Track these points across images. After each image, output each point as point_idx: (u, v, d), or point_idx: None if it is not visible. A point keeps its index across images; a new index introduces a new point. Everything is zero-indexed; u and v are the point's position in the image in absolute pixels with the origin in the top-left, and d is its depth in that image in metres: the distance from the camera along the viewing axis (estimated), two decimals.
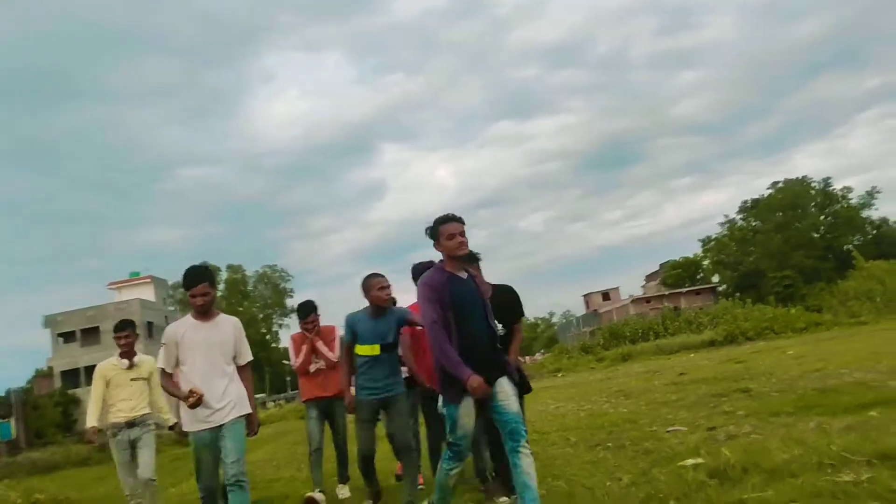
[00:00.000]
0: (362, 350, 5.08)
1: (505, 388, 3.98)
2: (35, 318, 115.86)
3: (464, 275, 4.13)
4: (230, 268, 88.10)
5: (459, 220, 4.13)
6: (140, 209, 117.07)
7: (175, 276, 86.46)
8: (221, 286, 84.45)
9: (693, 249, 74.92)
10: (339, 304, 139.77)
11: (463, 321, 3.97)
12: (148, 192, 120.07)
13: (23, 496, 6.30)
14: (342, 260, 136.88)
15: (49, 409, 51.67)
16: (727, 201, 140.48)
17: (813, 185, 68.76)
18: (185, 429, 4.66)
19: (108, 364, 6.28)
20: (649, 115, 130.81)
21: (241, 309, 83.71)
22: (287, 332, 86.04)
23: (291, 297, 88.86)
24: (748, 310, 44.56)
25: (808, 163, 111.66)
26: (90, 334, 59.69)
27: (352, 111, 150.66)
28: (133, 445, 6.11)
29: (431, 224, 4.16)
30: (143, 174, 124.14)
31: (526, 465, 3.85)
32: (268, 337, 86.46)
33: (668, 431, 6.72)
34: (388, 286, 5.14)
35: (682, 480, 3.78)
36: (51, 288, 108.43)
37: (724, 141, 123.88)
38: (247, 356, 4.78)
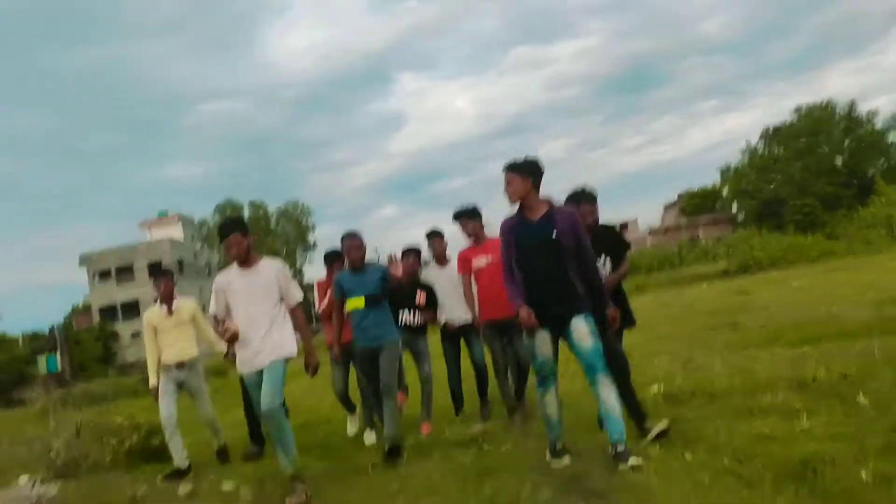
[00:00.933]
0: (350, 304, 5.49)
1: (579, 328, 4.19)
2: (65, 255, 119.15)
3: (535, 218, 4.36)
4: (252, 205, 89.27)
5: (506, 169, 4.41)
6: (161, 145, 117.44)
7: (200, 213, 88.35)
8: (251, 232, 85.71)
9: (716, 176, 74.09)
10: (363, 235, 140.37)
11: (526, 262, 4.33)
12: (168, 127, 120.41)
13: (128, 419, 7.19)
14: (363, 192, 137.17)
15: (91, 344, 54.04)
16: (753, 124, 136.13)
17: (838, 108, 67.48)
18: (239, 371, 4.95)
19: (152, 312, 6.53)
20: (672, 34, 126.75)
21: (263, 244, 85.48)
22: (310, 267, 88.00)
23: (314, 232, 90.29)
24: (764, 239, 44.90)
25: (839, 82, 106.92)
26: (125, 272, 61.77)
27: (367, 40, 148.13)
28: (181, 385, 6.37)
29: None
30: (162, 110, 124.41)
31: (605, 395, 4.09)
32: (292, 272, 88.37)
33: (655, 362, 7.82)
34: (361, 247, 5.55)
35: (643, 402, 4.82)
36: (77, 225, 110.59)
37: (750, 61, 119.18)
38: (295, 297, 4.91)
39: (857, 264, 25.86)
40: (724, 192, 72.50)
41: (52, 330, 54.89)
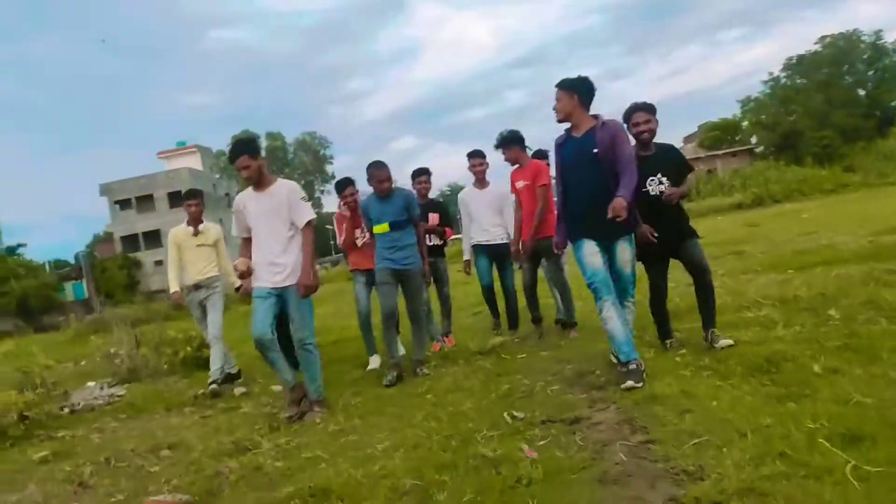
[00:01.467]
0: (377, 229, 5.72)
1: (624, 254, 4.39)
2: (83, 185, 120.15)
3: (578, 134, 4.41)
4: (270, 135, 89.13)
5: (555, 86, 4.45)
6: (173, 73, 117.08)
7: (217, 143, 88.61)
8: (262, 154, 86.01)
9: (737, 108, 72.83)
10: None
11: (570, 177, 4.46)
12: (182, 55, 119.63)
13: (182, 333, 7.86)
14: (380, 123, 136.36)
15: (116, 272, 55.27)
16: (778, 53, 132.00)
17: (863, 38, 65.75)
18: (252, 285, 4.92)
19: (179, 230, 6.71)
20: None
21: (282, 176, 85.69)
22: (328, 197, 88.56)
23: (331, 163, 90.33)
24: (780, 172, 44.86)
25: (869, 10, 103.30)
26: (145, 201, 62.62)
27: None
28: (202, 306, 6.59)
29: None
30: (176, 37, 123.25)
31: (627, 316, 4.45)
32: (311, 202, 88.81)
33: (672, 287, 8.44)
34: (386, 179, 5.67)
35: (644, 317, 5.43)
36: (94, 154, 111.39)
37: None
38: (303, 217, 4.83)
39: (867, 196, 26.18)
40: (745, 124, 71.57)
41: (77, 258, 56.29)
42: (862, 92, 65.20)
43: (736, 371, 3.83)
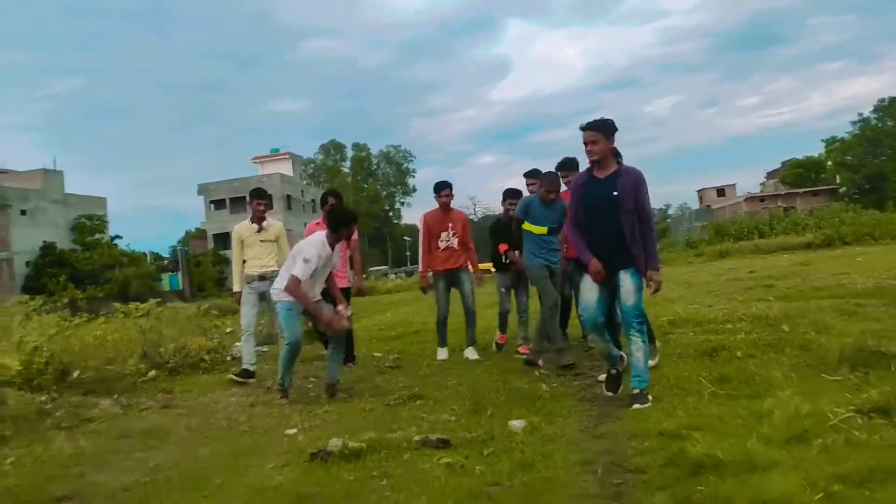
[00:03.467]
0: (535, 229, 6.31)
1: (626, 285, 4.54)
2: (175, 182, 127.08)
3: (602, 176, 4.66)
4: (356, 146, 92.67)
5: (589, 128, 4.64)
6: (266, 80, 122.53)
7: (307, 150, 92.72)
8: (348, 164, 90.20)
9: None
10: (461, 182, 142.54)
11: (589, 215, 4.70)
12: (273, 63, 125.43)
13: None
14: (462, 138, 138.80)
15: (208, 267, 59.23)
16: (881, 90, 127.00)
17: None
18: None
19: (243, 226, 6.99)
20: None
21: (366, 186, 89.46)
22: (408, 210, 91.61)
23: (413, 176, 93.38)
24: (856, 214, 44.55)
25: None
26: (238, 202, 66.67)
27: None
28: (262, 297, 6.76)
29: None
30: (268, 45, 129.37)
31: (634, 349, 4.52)
32: (390, 213, 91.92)
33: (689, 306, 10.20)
34: (557, 189, 6.28)
35: (656, 325, 7.22)
36: (188, 154, 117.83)
37: (885, 20, 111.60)
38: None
39: None
40: (829, 164, 70.59)
41: (175, 252, 60.73)
42: None
43: (691, 355, 5.72)
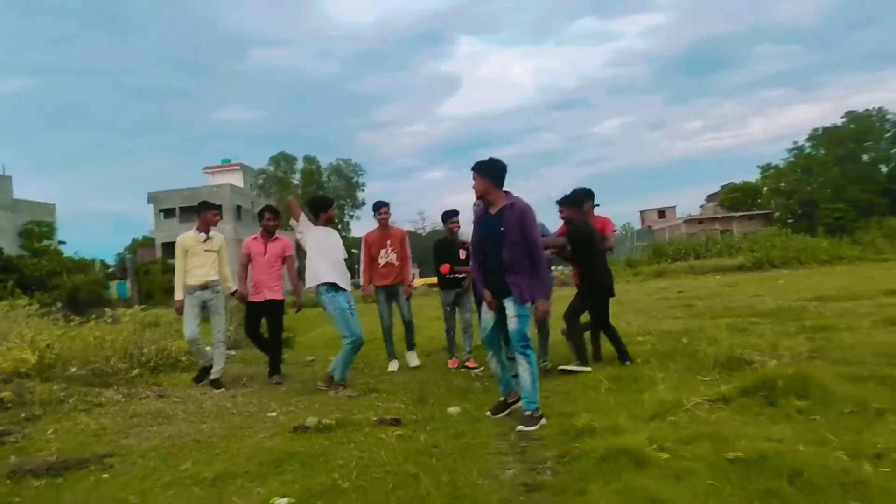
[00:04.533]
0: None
1: (509, 311, 4.82)
2: (121, 188, 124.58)
3: (494, 210, 4.95)
4: (306, 158, 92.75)
5: (472, 168, 4.97)
6: (217, 89, 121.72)
7: (254, 159, 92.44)
8: (297, 176, 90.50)
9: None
10: (409, 197, 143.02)
11: (482, 247, 5.03)
12: (223, 72, 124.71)
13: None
14: (411, 153, 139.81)
15: (158, 276, 58.86)
16: (819, 118, 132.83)
17: (888, 116, 67.95)
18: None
19: (187, 236, 7.06)
20: (746, 17, 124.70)
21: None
22: (358, 223, 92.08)
23: (363, 190, 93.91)
24: (787, 239, 47.09)
25: None
26: (188, 212, 66.32)
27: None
28: (204, 306, 6.96)
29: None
30: (218, 53, 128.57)
31: (521, 370, 4.77)
32: (340, 227, 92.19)
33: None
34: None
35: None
36: (135, 160, 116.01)
37: (825, 51, 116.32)
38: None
39: (852, 270, 28.64)
40: (765, 189, 73.92)
41: (123, 259, 60.23)
42: (884, 169, 67.47)
43: (601, 360, 6.90)
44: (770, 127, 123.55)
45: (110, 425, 4.99)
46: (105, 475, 3.79)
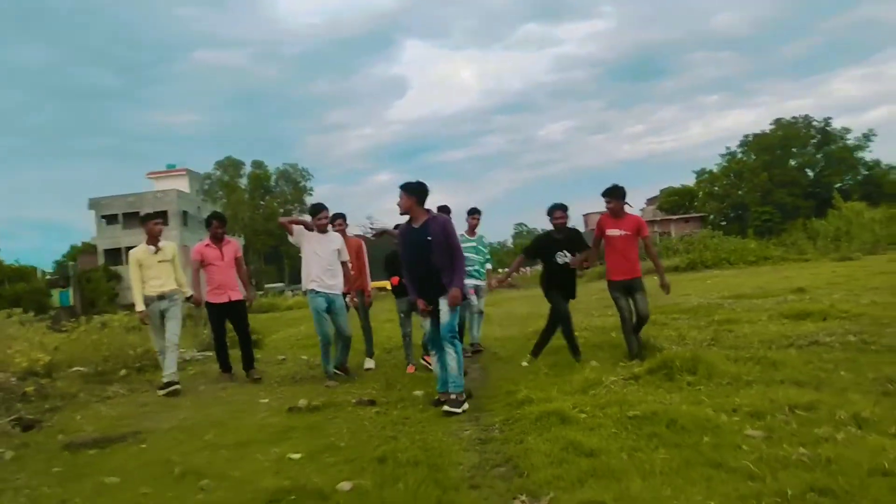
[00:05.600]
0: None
1: (442, 308, 5.52)
2: (54, 193, 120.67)
3: (417, 224, 5.63)
4: (254, 163, 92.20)
5: (399, 188, 5.64)
6: (155, 90, 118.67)
7: (203, 166, 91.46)
8: (244, 181, 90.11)
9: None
10: (357, 201, 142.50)
11: (411, 257, 5.70)
12: (162, 72, 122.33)
13: None
14: (359, 157, 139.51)
15: (101, 283, 58.08)
16: (754, 122, 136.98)
17: (814, 123, 71.56)
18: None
19: (140, 250, 7.26)
20: (683, 26, 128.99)
21: (263, 203, 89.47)
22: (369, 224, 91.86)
23: (311, 194, 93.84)
24: (719, 241, 49.49)
25: (844, 87, 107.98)
26: (131, 218, 65.45)
27: (376, 2, 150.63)
28: (163, 315, 7.14)
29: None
30: (157, 53, 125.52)
31: (448, 359, 5.49)
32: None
33: None
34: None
35: (525, 335, 9.51)
36: (70, 164, 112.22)
37: (758, 59, 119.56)
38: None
39: (775, 270, 30.71)
40: (700, 194, 76.99)
41: (66, 267, 59.17)
42: (811, 173, 71.19)
43: (543, 351, 8.03)
44: (708, 131, 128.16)
45: (127, 412, 5.89)
46: (143, 445, 4.73)
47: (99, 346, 8.12)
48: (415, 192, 5.65)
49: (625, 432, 4.13)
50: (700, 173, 75.73)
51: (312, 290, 7.16)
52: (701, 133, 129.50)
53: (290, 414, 5.53)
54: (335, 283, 7.27)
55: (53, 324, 11.08)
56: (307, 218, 7.48)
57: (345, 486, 3.49)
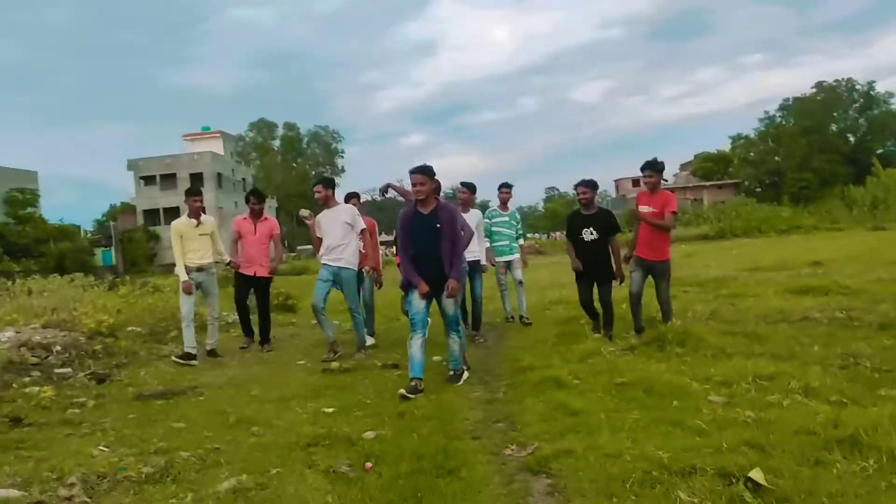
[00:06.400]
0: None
1: (447, 302, 5.67)
2: (89, 150, 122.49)
3: (426, 211, 5.67)
4: (286, 125, 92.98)
5: (417, 172, 5.60)
6: (188, 51, 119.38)
7: (233, 124, 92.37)
8: (277, 143, 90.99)
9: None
10: (385, 163, 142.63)
11: (417, 242, 5.67)
12: (196, 32, 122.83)
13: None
14: (390, 118, 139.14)
15: (140, 243, 59.90)
16: (795, 85, 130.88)
17: (857, 87, 69.63)
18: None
19: (181, 222, 7.57)
20: None
21: (295, 165, 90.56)
22: (337, 191, 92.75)
23: (342, 157, 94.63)
24: (751, 209, 49.36)
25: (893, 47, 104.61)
26: (168, 179, 67.25)
27: None
28: (199, 286, 7.54)
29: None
30: (191, 13, 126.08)
31: (453, 345, 5.81)
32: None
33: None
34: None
35: (540, 304, 10.20)
36: (99, 122, 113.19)
37: (806, 16, 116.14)
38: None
39: (805, 239, 30.74)
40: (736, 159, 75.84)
41: (108, 227, 61.09)
42: (852, 139, 69.63)
43: (553, 322, 8.70)
44: (749, 92, 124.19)
45: (183, 370, 6.79)
46: (201, 398, 5.58)
47: (153, 309, 9.04)
48: (434, 178, 5.73)
49: (608, 396, 4.81)
50: (736, 139, 74.51)
51: (323, 263, 7.40)
52: (741, 95, 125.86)
53: (324, 375, 6.35)
54: (343, 257, 7.34)
55: (111, 287, 11.99)
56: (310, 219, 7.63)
57: (369, 434, 4.25)
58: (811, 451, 3.38)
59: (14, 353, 6.42)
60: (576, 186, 7.52)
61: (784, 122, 70.92)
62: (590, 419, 4.24)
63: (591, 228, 7.25)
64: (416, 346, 5.58)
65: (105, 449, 4.10)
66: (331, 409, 4.98)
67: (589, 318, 7.78)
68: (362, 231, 7.49)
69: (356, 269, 7.51)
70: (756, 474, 3.03)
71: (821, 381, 4.65)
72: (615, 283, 7.38)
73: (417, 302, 5.67)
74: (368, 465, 3.69)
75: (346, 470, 3.61)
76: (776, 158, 69.56)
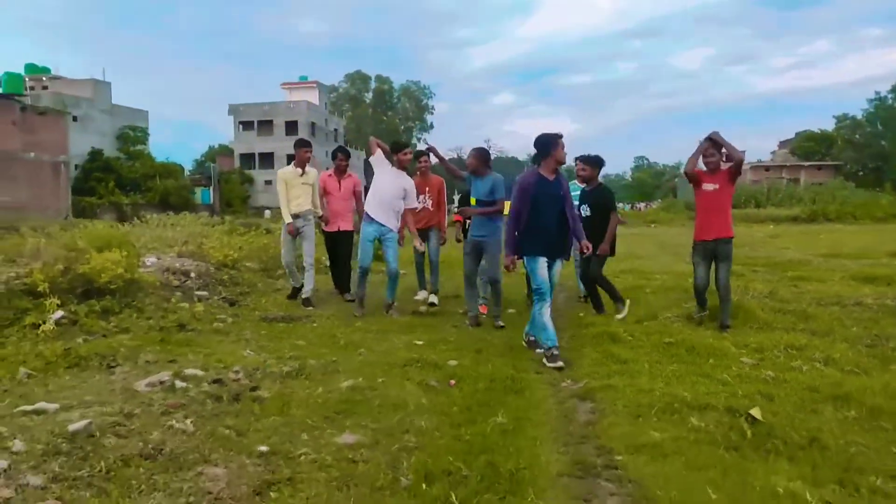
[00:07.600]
0: (472, 201, 7.36)
1: (558, 268, 5.92)
2: (190, 92, 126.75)
3: (551, 178, 5.75)
4: (378, 78, 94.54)
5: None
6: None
7: (327, 75, 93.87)
8: (370, 95, 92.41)
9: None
10: (473, 121, 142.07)
11: (541, 209, 5.70)
12: None
13: None
14: (481, 75, 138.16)
15: (237, 185, 62.98)
16: None
17: None
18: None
19: (287, 171, 8.03)
20: None
21: (385, 118, 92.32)
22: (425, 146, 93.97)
23: (432, 113, 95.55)
24: (850, 193, 47.49)
25: None
26: (265, 126, 70.02)
27: None
28: (297, 233, 7.98)
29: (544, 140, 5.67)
30: None
31: (543, 312, 5.66)
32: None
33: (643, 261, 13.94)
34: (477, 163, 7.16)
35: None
36: (202, 64, 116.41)
37: None
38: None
39: (893, 229, 29.75)
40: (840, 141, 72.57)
41: (207, 168, 64.43)
42: None
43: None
44: (862, 68, 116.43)
45: (294, 302, 8.00)
46: (314, 325, 6.77)
47: (267, 248, 10.40)
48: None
49: (655, 352, 5.66)
50: (841, 119, 71.24)
51: (367, 216, 7.51)
52: (852, 71, 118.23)
53: (414, 316, 7.45)
54: (390, 220, 7.48)
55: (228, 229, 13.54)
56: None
57: (452, 362, 5.29)
58: (810, 403, 4.18)
59: (160, 275, 7.73)
60: (576, 160, 7.59)
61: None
62: (634, 367, 5.13)
63: (586, 205, 7.42)
64: (546, 315, 5.63)
65: (251, 353, 5.31)
66: (421, 342, 6.05)
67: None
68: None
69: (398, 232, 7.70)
70: (756, 412, 3.87)
71: (843, 354, 5.36)
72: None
73: (542, 271, 5.71)
74: (452, 382, 4.72)
75: (434, 384, 4.65)
76: (882, 143, 66.35)
